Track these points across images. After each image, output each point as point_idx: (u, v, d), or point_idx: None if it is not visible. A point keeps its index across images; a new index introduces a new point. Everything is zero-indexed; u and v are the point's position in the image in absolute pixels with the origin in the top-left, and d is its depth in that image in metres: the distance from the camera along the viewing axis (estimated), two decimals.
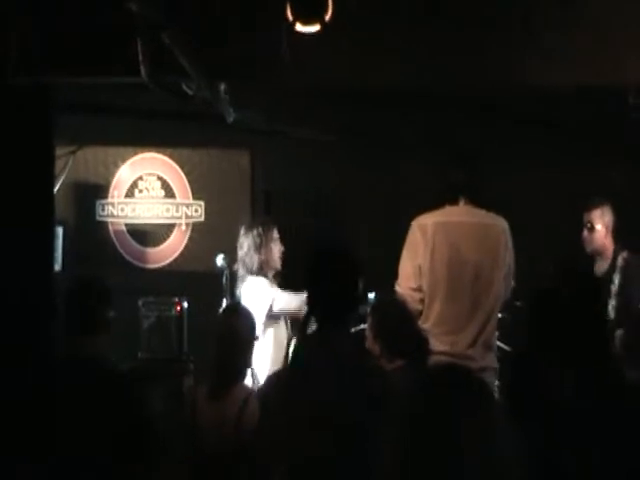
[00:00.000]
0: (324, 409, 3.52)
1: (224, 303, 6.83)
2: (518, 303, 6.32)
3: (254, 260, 6.69)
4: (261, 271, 6.70)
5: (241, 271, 6.77)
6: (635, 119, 6.83)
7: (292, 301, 6.53)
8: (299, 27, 5.44)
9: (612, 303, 6.85)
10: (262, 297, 6.59)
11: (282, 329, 6.73)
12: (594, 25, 5.75)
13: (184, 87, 6.36)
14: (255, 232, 6.73)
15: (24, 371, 5.05)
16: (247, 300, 6.58)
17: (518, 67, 5.90)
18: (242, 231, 6.79)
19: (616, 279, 6.85)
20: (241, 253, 6.74)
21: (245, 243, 6.74)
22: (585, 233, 6.88)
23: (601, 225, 6.84)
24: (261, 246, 6.71)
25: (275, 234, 6.78)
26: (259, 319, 6.25)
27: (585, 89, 6.27)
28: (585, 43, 5.77)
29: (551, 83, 5.98)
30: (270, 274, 6.75)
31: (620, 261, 6.84)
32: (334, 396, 3.58)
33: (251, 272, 6.70)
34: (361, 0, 5.79)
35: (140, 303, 7.44)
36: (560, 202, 7.68)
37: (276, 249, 6.76)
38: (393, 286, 6.10)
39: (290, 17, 5.42)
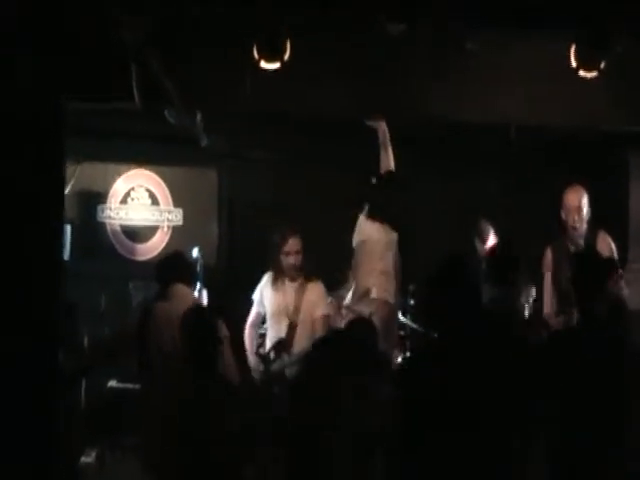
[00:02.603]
0: None
1: (197, 285, 7.36)
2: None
3: (272, 261, 6.86)
4: (278, 271, 6.85)
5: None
6: (514, 148, 7.95)
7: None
8: (263, 64, 6.12)
9: None
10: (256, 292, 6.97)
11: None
12: (483, 73, 6.58)
13: (167, 116, 7.24)
14: (275, 239, 6.81)
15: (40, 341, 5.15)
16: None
17: (424, 104, 6.74)
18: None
19: None
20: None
21: (270, 246, 6.87)
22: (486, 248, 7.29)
23: (493, 237, 7.57)
24: (277, 252, 6.80)
25: (290, 245, 6.76)
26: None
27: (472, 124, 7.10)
28: (475, 88, 6.62)
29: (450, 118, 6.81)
30: (285, 276, 6.81)
31: None
32: None
33: (272, 269, 6.88)
34: (309, 46, 6.38)
35: (130, 286, 8.47)
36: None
37: (288, 258, 6.77)
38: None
39: (256, 56, 6.09)
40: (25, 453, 5.09)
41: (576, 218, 6.85)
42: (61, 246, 6.31)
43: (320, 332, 6.53)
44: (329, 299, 7.15)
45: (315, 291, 6.88)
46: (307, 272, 6.88)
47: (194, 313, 5.51)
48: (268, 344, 6.88)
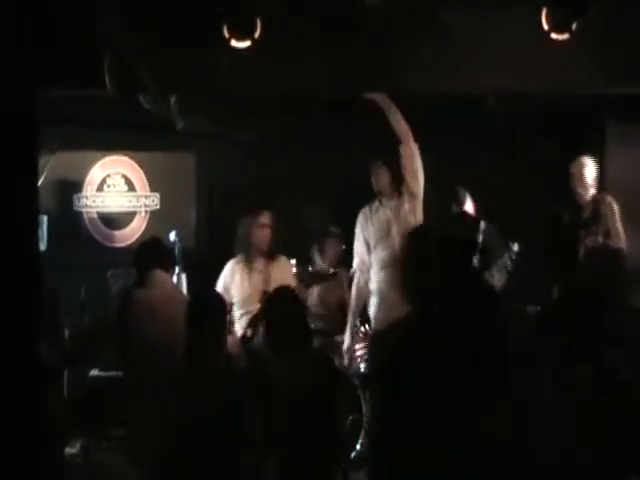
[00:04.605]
0: None
1: (176, 270, 7.42)
2: None
3: (241, 240, 6.88)
4: (248, 249, 6.85)
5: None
6: (496, 118, 7.95)
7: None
8: (234, 43, 6.09)
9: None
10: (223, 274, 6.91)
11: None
12: (463, 44, 6.46)
13: (142, 101, 7.18)
14: (245, 217, 6.86)
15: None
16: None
17: (407, 76, 6.62)
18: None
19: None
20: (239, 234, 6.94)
21: (240, 226, 6.91)
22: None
23: (473, 210, 7.53)
24: (247, 228, 6.84)
25: (262, 220, 6.81)
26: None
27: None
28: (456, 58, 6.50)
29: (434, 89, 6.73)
30: (255, 254, 6.81)
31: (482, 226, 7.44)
32: None
33: (241, 249, 6.88)
34: (284, 21, 6.31)
35: (109, 274, 8.31)
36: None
37: (261, 233, 6.80)
38: None
39: (226, 35, 6.06)
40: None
41: (580, 186, 7.39)
42: (37, 239, 6.02)
43: None
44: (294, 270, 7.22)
45: (281, 266, 6.89)
46: (271, 252, 6.89)
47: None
48: (240, 329, 6.75)
